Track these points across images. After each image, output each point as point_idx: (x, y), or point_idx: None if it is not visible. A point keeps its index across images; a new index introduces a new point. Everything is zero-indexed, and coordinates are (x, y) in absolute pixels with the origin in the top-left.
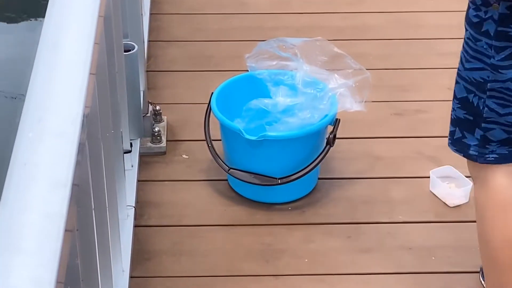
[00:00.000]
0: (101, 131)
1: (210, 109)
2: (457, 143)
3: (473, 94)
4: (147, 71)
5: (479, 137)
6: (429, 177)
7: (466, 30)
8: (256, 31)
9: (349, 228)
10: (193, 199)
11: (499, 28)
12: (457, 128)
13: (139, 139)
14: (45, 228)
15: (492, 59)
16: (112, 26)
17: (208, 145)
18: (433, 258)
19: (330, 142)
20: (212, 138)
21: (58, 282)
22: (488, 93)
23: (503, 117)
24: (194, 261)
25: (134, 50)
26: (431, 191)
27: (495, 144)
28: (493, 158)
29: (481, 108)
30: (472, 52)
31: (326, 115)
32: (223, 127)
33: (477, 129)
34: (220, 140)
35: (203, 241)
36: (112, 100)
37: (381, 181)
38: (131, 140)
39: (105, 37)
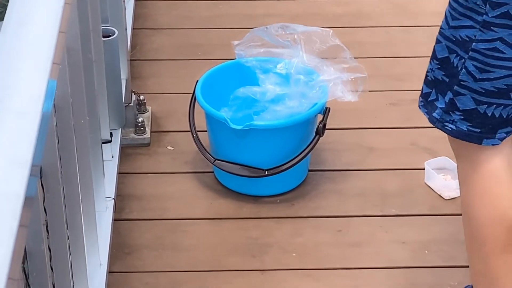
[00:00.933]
0: (73, 118)
1: (195, 98)
2: (428, 105)
3: (455, 54)
4: (131, 59)
5: (447, 101)
6: (423, 169)
7: None
8: (246, 18)
9: (339, 221)
10: (177, 192)
11: None
12: (433, 89)
13: (120, 129)
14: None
15: (485, 15)
16: (88, 10)
17: (193, 136)
18: (427, 252)
19: (320, 132)
20: (198, 129)
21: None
22: (470, 53)
23: (478, 83)
24: (177, 256)
25: (114, 36)
26: (426, 183)
27: (459, 114)
28: (449, 129)
29: (459, 69)
30: (461, 9)
31: (316, 104)
32: (208, 117)
33: (448, 91)
34: (205, 131)
35: (187, 235)
36: (88, 87)
37: (374, 173)
38: (111, 130)
39: (79, 22)
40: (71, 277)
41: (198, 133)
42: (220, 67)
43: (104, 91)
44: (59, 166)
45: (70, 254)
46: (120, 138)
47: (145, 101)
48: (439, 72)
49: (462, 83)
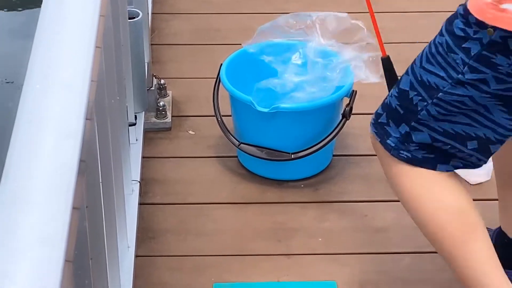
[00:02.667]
0: (107, 100)
1: (219, 80)
2: (379, 127)
3: (416, 93)
4: (151, 44)
5: (403, 132)
6: None
7: (442, 35)
8: (265, 3)
9: (365, 206)
10: (200, 176)
11: (484, 52)
12: (385, 113)
13: (143, 112)
14: (54, 180)
15: (460, 75)
16: None
17: (218, 119)
18: None
19: (346, 115)
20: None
21: (69, 235)
22: (434, 100)
23: (438, 123)
24: (201, 240)
25: (138, 17)
26: None
27: (414, 145)
28: (405, 157)
29: (419, 109)
30: (439, 58)
31: (342, 86)
32: (233, 100)
33: (404, 124)
34: (228, 115)
35: (210, 219)
36: (118, 70)
37: None
38: (135, 113)
39: (111, 5)
40: (106, 259)
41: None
42: (244, 51)
43: (129, 74)
44: (98, 146)
45: (105, 236)
46: (143, 122)
47: (165, 85)
48: (395, 100)
49: (421, 121)
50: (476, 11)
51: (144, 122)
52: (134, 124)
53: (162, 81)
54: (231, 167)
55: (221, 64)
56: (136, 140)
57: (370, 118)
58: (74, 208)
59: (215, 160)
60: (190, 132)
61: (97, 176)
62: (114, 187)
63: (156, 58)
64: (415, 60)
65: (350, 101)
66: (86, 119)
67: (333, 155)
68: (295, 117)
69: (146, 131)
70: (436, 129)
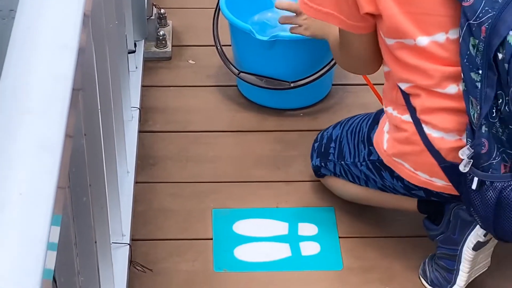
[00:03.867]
0: (105, 23)
1: (219, 9)
2: (312, 149)
3: (333, 147)
4: None
5: (316, 164)
6: None
7: (366, 125)
8: None
9: None
10: (200, 104)
11: (377, 163)
12: (317, 143)
13: (143, 40)
14: (52, 89)
15: (359, 163)
16: None
17: (217, 48)
18: None
19: None
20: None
21: (68, 136)
22: (339, 162)
23: (337, 170)
24: (201, 167)
25: None
26: None
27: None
28: (320, 175)
29: (329, 158)
30: (355, 139)
31: None
32: (233, 28)
33: (319, 159)
34: (228, 45)
35: (210, 147)
36: None
37: None
38: (135, 41)
39: None
40: (105, 181)
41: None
42: None
43: (128, 1)
44: (95, 71)
45: (104, 159)
46: (143, 51)
47: (165, 14)
48: (325, 139)
49: (327, 165)
50: (378, 151)
51: (144, 52)
52: (134, 52)
53: (162, 11)
54: (231, 96)
55: None
56: (136, 67)
57: None
58: (68, 135)
59: (214, 89)
60: (190, 61)
61: (95, 102)
62: (113, 113)
63: None
64: (350, 119)
65: None
66: (80, 48)
67: (332, 84)
68: (294, 45)
69: (146, 61)
70: (332, 171)
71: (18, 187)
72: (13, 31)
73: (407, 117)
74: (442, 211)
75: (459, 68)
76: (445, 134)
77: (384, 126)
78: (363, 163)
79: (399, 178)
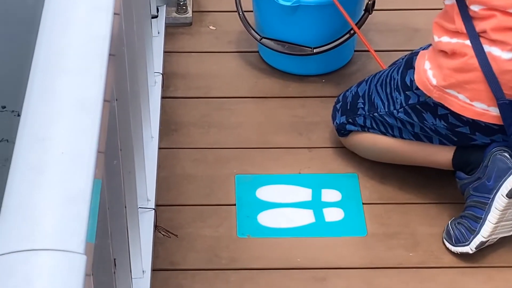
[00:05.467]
0: None
1: None
2: (333, 110)
3: (362, 102)
4: None
5: (341, 122)
6: None
7: (398, 73)
8: None
9: None
10: (221, 71)
11: (417, 106)
12: (340, 102)
13: (164, 6)
14: (90, 50)
15: (395, 111)
16: None
17: (239, 13)
18: None
19: (369, 9)
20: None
21: (105, 100)
22: (370, 114)
23: (366, 123)
24: (223, 133)
25: None
26: None
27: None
28: (341, 134)
29: (358, 113)
30: (387, 89)
31: None
32: None
33: (344, 116)
34: (249, 11)
35: (232, 113)
36: None
37: None
38: (157, 6)
39: None
40: (132, 146)
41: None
42: None
43: None
44: (124, 36)
45: (131, 125)
46: (164, 15)
47: None
48: (350, 97)
49: (355, 120)
50: (424, 89)
51: (165, 17)
52: (156, 17)
53: None
54: (253, 62)
55: None
56: (158, 33)
57: (392, 13)
58: (105, 101)
59: (236, 55)
60: (211, 27)
61: (124, 67)
62: (139, 78)
63: None
64: (375, 74)
65: None
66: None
67: (355, 51)
68: (317, 11)
69: (167, 26)
70: (362, 125)
71: (59, 148)
72: None
73: (468, 42)
74: (476, 161)
75: None
76: None
77: (424, 65)
78: (400, 110)
79: (443, 117)
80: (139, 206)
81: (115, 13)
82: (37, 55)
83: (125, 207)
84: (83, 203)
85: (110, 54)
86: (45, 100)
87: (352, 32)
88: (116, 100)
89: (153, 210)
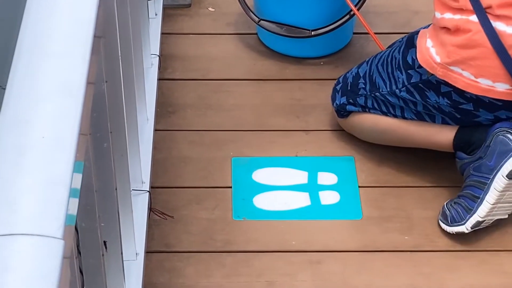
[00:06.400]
0: None
1: None
2: (333, 91)
3: (364, 82)
4: None
5: (341, 102)
6: None
7: (399, 52)
8: None
9: None
10: (220, 52)
11: (420, 84)
12: (341, 84)
13: None
14: (74, 34)
15: (397, 90)
16: None
17: None
18: None
19: None
20: None
21: (89, 83)
22: (372, 94)
23: (367, 103)
24: (220, 115)
25: None
26: None
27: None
28: (341, 115)
29: (359, 93)
30: (389, 69)
31: None
32: None
33: (345, 97)
34: None
35: (230, 95)
36: None
37: None
38: None
39: None
40: (125, 128)
41: None
42: None
43: None
44: (116, 17)
45: (124, 106)
46: None
47: None
48: (350, 78)
49: (356, 100)
50: (428, 67)
51: None
52: None
53: None
54: (251, 44)
55: None
56: (156, 14)
57: None
58: (89, 83)
59: (234, 37)
60: (210, 9)
61: (116, 48)
62: (134, 60)
63: None
64: (376, 55)
65: None
66: None
67: (353, 33)
68: None
69: (165, 8)
70: (363, 105)
71: (40, 131)
72: None
73: (473, 17)
74: (478, 141)
75: None
76: None
77: (426, 43)
78: (403, 89)
79: (446, 94)
80: (133, 189)
81: None
82: (22, 38)
83: (116, 189)
84: (62, 187)
85: (97, 36)
86: (27, 85)
87: (351, 13)
88: (106, 82)
89: (148, 192)
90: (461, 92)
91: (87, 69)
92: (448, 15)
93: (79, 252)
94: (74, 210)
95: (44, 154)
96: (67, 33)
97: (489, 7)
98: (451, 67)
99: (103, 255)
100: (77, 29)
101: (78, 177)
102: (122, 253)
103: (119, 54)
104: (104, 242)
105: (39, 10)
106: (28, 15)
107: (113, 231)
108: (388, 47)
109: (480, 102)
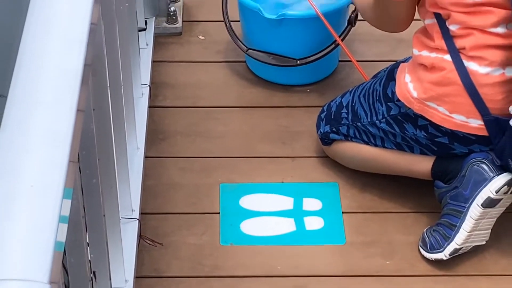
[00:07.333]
0: (115, 5)
1: None
2: (318, 119)
3: (346, 112)
4: None
5: (325, 131)
6: None
7: (380, 84)
8: None
9: None
10: (209, 80)
11: (399, 117)
12: (325, 112)
13: (154, 17)
14: (62, 83)
15: (377, 121)
16: None
17: (226, 25)
18: None
19: (352, 22)
20: (230, 19)
21: (74, 134)
22: (354, 124)
23: (349, 132)
24: (210, 142)
25: None
26: None
27: (329, 140)
28: (325, 143)
29: (342, 122)
30: (370, 100)
31: None
32: (242, 6)
33: (328, 126)
34: (238, 21)
35: (219, 122)
36: None
37: None
38: (145, 18)
39: None
40: (114, 158)
41: (231, 22)
42: None
43: None
44: (105, 51)
45: (114, 141)
46: (154, 27)
47: None
48: (334, 107)
49: (339, 129)
50: (405, 101)
51: (155, 27)
52: (144, 30)
53: None
54: (240, 71)
55: None
56: (147, 45)
57: None
58: (79, 110)
59: (224, 65)
60: (200, 37)
61: (104, 80)
62: (123, 90)
63: None
64: (359, 85)
65: (355, 7)
66: (91, 23)
67: (339, 61)
68: (301, 23)
69: (157, 36)
70: (345, 134)
71: (29, 180)
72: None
73: (448, 56)
74: (454, 171)
75: (510, 12)
76: (491, 69)
77: (405, 78)
78: (383, 120)
79: (423, 127)
80: (122, 217)
81: (92, 24)
82: (13, 87)
83: (105, 220)
84: (52, 212)
85: (87, 65)
86: (18, 132)
87: (336, 43)
88: (94, 110)
89: (137, 220)
90: (437, 126)
91: (74, 118)
92: (425, 53)
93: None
94: (63, 237)
95: (32, 202)
96: (56, 82)
97: (463, 48)
98: (427, 103)
99: (92, 285)
100: (65, 76)
101: (67, 203)
102: (110, 281)
103: (108, 85)
104: (93, 272)
105: (30, 58)
106: (20, 64)
107: (102, 261)
108: (373, 77)
109: (455, 136)
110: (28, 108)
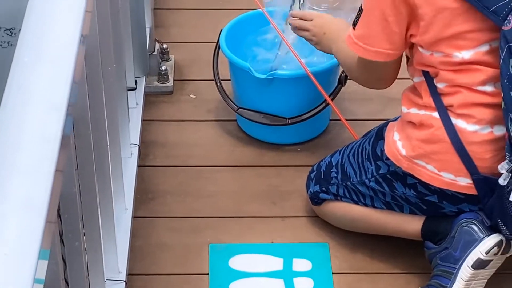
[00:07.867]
0: (102, 66)
1: (219, 46)
2: (308, 178)
3: (335, 171)
4: (154, 8)
5: (315, 190)
6: None
7: (369, 144)
8: None
9: None
10: (200, 139)
11: (388, 175)
12: (315, 172)
13: (144, 77)
14: (40, 150)
15: (367, 180)
16: None
17: (217, 84)
18: None
19: (342, 81)
20: (221, 77)
21: (52, 195)
22: (343, 183)
23: (339, 192)
24: (200, 202)
25: None
26: None
27: (319, 199)
28: (315, 202)
29: (331, 182)
30: (359, 159)
31: None
32: (232, 65)
33: (318, 185)
34: (228, 80)
35: (209, 182)
36: (115, 36)
37: None
38: (136, 77)
39: None
40: (99, 220)
41: (221, 81)
42: (244, 16)
43: (129, 40)
44: (89, 113)
45: (98, 198)
46: (144, 86)
47: (168, 49)
48: (324, 167)
49: (328, 189)
50: (394, 159)
51: (146, 86)
52: (134, 89)
53: (165, 46)
54: (230, 130)
55: (221, 30)
56: (136, 104)
57: None
58: (57, 171)
59: (215, 124)
60: (191, 96)
61: (88, 141)
62: (110, 150)
63: (160, 23)
64: (348, 145)
65: None
66: (74, 82)
67: (330, 120)
68: (291, 83)
69: (148, 95)
70: (335, 194)
71: (2, 247)
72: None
73: (436, 114)
74: (444, 232)
75: (498, 70)
76: (479, 127)
77: (393, 136)
78: (372, 179)
79: (412, 186)
80: (108, 278)
81: (74, 82)
82: None
83: (88, 281)
84: (28, 275)
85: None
86: None
87: (326, 103)
88: (77, 169)
89: (124, 282)
90: (426, 184)
91: (52, 184)
92: (413, 110)
93: None
94: None
95: (6, 271)
96: (34, 148)
97: (451, 105)
98: (416, 160)
99: None
100: (44, 144)
101: (44, 264)
102: None
103: (92, 146)
104: None
105: (15, 96)
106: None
107: None
108: (363, 136)
109: (444, 194)
110: (3, 174)
